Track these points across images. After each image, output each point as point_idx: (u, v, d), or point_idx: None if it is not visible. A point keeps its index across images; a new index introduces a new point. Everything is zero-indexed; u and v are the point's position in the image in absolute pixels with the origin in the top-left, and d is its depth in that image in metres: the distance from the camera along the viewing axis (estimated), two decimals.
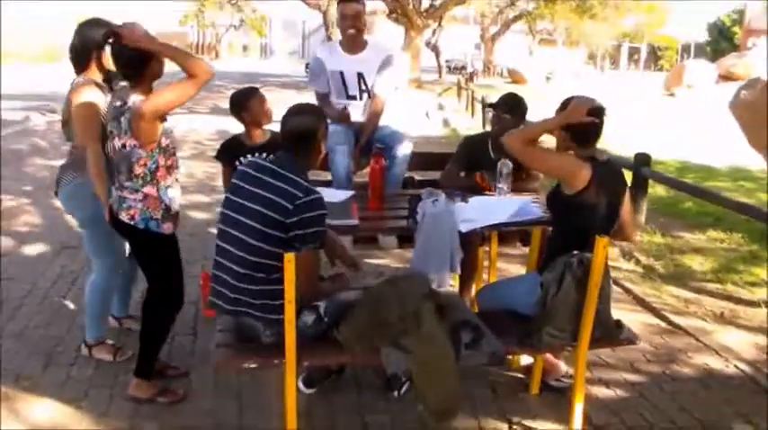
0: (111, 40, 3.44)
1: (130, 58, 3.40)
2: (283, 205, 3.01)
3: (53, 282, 5.49)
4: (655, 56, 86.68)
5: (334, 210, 3.77)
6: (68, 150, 4.06)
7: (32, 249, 6.29)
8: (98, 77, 3.93)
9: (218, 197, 8.20)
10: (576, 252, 3.27)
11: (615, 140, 12.80)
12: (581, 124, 3.40)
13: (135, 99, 3.38)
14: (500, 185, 4.22)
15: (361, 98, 5.11)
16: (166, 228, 3.60)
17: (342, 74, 5.04)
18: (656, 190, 9.23)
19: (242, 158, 4.41)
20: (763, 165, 10.40)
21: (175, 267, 3.77)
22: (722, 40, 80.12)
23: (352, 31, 4.94)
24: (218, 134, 13.84)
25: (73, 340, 4.44)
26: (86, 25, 3.93)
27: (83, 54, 3.93)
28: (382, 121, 5.12)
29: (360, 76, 5.03)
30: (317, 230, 3.07)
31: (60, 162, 4.17)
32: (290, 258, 2.85)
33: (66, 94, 3.93)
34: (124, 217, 3.56)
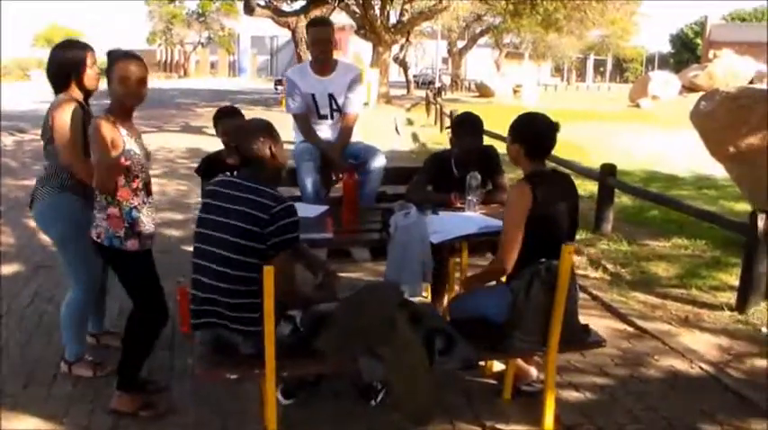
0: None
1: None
2: (259, 216, 3.12)
3: (29, 302, 5.52)
4: (620, 68, 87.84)
5: (309, 225, 3.90)
6: (44, 165, 4.12)
7: (7, 269, 6.31)
8: (78, 95, 4.03)
9: (191, 215, 8.33)
10: (543, 260, 3.40)
11: (582, 151, 13.04)
12: (536, 139, 3.60)
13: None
14: (469, 198, 4.36)
15: (332, 117, 5.24)
16: (130, 245, 3.69)
17: (313, 96, 5.18)
18: (622, 199, 9.45)
19: (221, 175, 4.53)
20: (726, 173, 10.69)
21: (152, 283, 3.83)
22: (685, 51, 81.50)
23: (323, 56, 5.08)
24: (189, 152, 13.92)
25: (52, 358, 4.48)
26: (61, 47, 4.04)
27: (60, 76, 4.02)
28: (354, 137, 5.25)
29: (330, 96, 5.19)
30: (292, 236, 3.19)
31: (32, 182, 4.24)
32: (268, 271, 2.94)
33: (47, 113, 4.01)
34: (93, 235, 3.71)
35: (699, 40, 76.30)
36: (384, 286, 3.60)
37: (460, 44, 50.89)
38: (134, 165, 3.65)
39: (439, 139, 17.06)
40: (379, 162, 5.05)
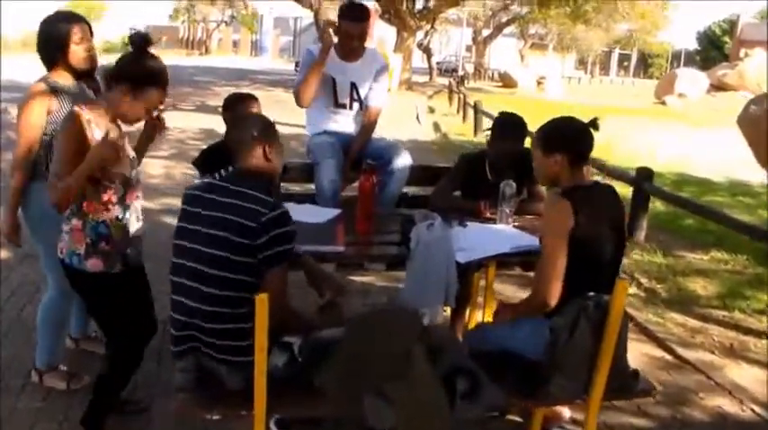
0: None
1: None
2: (248, 226, 2.62)
3: (11, 293, 5.06)
4: (645, 63, 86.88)
5: (317, 234, 3.39)
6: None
7: None
8: (66, 78, 3.53)
9: None
10: (591, 294, 2.87)
11: (606, 149, 12.47)
12: (581, 145, 3.09)
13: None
14: (502, 208, 3.82)
15: (351, 107, 4.70)
16: (91, 265, 3.09)
17: (333, 80, 4.63)
18: (655, 204, 8.86)
19: (222, 170, 4.02)
20: (762, 178, 10.10)
21: (120, 313, 3.24)
22: (712, 49, 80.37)
23: (356, 43, 4.55)
24: (203, 133, 13.43)
25: (25, 362, 3.99)
26: (46, 22, 3.53)
27: (47, 53, 3.53)
28: (376, 133, 4.73)
29: (353, 85, 4.64)
30: (286, 249, 2.68)
31: None
32: (261, 299, 2.42)
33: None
34: (58, 249, 3.18)
35: (727, 38, 75.30)
36: (399, 311, 3.06)
37: (485, 32, 50.14)
38: (103, 174, 3.01)
39: (461, 130, 16.53)
40: (403, 162, 4.51)
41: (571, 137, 3.11)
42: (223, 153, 4.05)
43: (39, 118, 3.43)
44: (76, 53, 3.50)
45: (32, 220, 3.58)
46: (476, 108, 15.69)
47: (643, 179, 7.44)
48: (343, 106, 4.71)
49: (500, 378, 2.91)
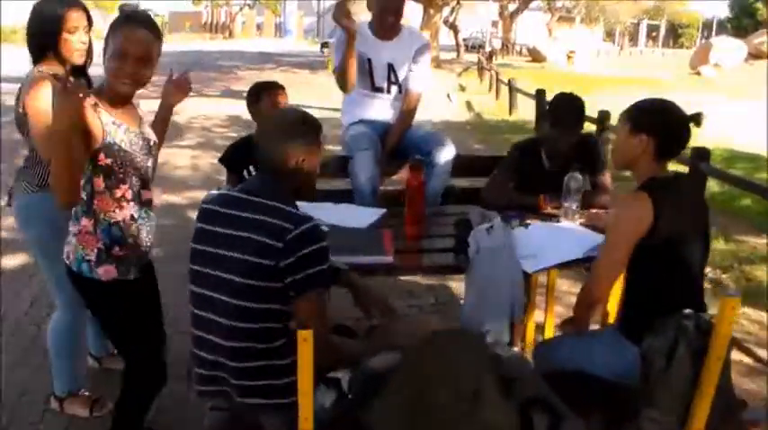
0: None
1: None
2: (271, 245, 2.20)
3: (30, 304, 4.72)
4: (674, 33, 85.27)
5: (361, 242, 2.97)
6: (26, 155, 3.23)
7: (13, 260, 5.50)
8: (57, 68, 3.07)
9: None
10: (687, 312, 2.43)
11: None
12: (675, 132, 2.66)
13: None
14: (567, 204, 3.39)
15: (389, 91, 4.26)
16: (103, 272, 2.62)
17: (369, 61, 4.19)
18: (709, 184, 8.33)
19: (251, 167, 3.64)
20: None
21: (136, 326, 2.81)
22: (744, 17, 78.45)
23: (391, 19, 4.11)
24: (229, 120, 13.05)
25: (43, 386, 3.65)
26: (39, 5, 3.07)
27: (33, 42, 3.08)
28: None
29: (390, 66, 4.20)
30: (319, 270, 2.25)
31: None
32: (304, 336, 2.01)
33: (18, 90, 3.07)
34: (63, 253, 2.72)
35: (760, 5, 73.38)
36: (463, 335, 2.64)
37: (512, 7, 49.25)
38: (117, 164, 2.57)
39: (495, 110, 15.98)
40: (447, 154, 4.06)
41: (667, 122, 2.67)
42: (249, 148, 3.68)
43: (50, 98, 2.96)
44: (69, 43, 3.04)
45: (40, 235, 3.18)
46: (510, 85, 15.10)
47: (698, 159, 6.91)
48: (380, 90, 4.28)
49: (579, 407, 2.49)
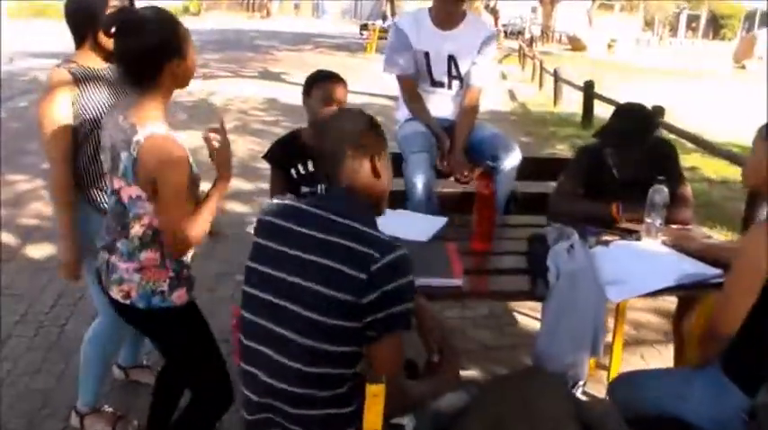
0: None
1: (147, 51, 2.18)
2: (352, 276, 1.81)
3: (53, 303, 4.40)
4: (715, 24, 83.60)
5: (425, 259, 2.59)
6: None
7: (37, 251, 5.22)
8: (93, 60, 2.75)
9: (263, 186, 7.09)
10: None
11: (705, 122, 11.43)
12: None
13: (146, 134, 2.17)
14: (650, 220, 3.01)
15: (450, 87, 3.89)
16: (177, 297, 2.40)
17: (427, 54, 3.83)
18: None
19: (300, 166, 3.28)
20: None
21: (207, 347, 2.56)
22: None
23: (451, 7, 3.74)
24: (266, 102, 12.72)
25: (63, 396, 3.39)
26: None
27: (76, 26, 2.76)
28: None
29: (451, 59, 3.82)
30: (404, 310, 1.87)
31: None
32: (375, 392, 1.66)
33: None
34: (116, 293, 2.39)
35: None
36: (541, 377, 2.28)
37: None
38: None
39: (540, 99, 15.45)
40: (513, 160, 3.68)
41: None
42: (296, 145, 3.34)
43: (64, 112, 2.68)
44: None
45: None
46: (556, 76, 14.52)
47: None
48: (440, 84, 3.91)
49: None
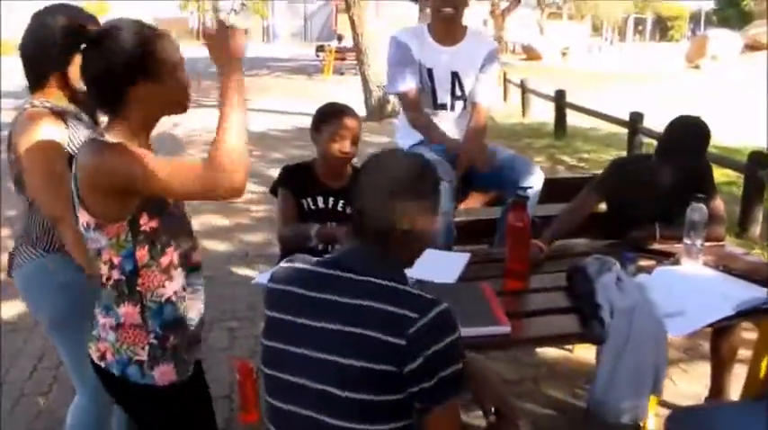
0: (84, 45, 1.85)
1: (109, 71, 1.82)
2: (389, 343, 1.57)
3: (34, 366, 4.02)
4: (662, 25, 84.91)
5: (461, 307, 2.30)
6: (24, 210, 2.51)
7: (13, 308, 4.81)
8: (60, 100, 2.42)
9: (241, 221, 6.85)
10: None
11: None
12: None
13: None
14: (689, 241, 2.81)
15: (452, 108, 3.68)
16: (160, 376, 1.95)
17: (430, 72, 3.60)
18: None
19: (310, 199, 3.01)
20: None
21: None
22: (728, 8, 78.05)
23: (448, 9, 3.50)
24: None
25: None
26: (45, 15, 2.38)
27: (38, 63, 2.40)
28: None
29: (455, 76, 3.60)
30: (455, 372, 1.62)
31: None
32: None
33: (10, 130, 2.40)
34: (93, 353, 2.01)
35: None
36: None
37: (504, 5, 48.84)
38: (165, 224, 1.92)
39: (507, 111, 15.22)
40: (535, 183, 3.47)
41: None
42: (310, 178, 3.09)
43: (61, 159, 2.30)
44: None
45: (54, 309, 2.48)
46: (523, 87, 14.33)
47: (756, 165, 6.38)
48: (443, 107, 3.70)
49: None
